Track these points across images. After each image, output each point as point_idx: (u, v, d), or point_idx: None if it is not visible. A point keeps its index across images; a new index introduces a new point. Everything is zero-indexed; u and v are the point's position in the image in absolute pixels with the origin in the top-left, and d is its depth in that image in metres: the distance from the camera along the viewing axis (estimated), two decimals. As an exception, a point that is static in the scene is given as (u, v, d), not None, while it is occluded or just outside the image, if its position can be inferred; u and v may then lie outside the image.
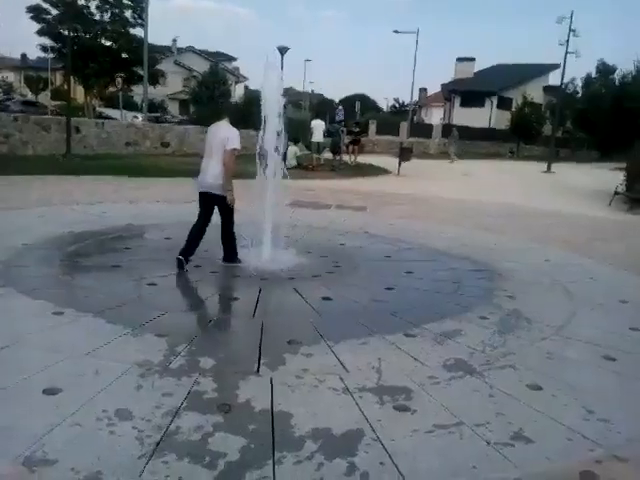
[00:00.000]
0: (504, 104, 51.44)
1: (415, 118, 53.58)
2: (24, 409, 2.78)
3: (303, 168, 18.25)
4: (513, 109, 48.62)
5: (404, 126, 43.10)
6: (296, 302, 4.84)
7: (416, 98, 57.17)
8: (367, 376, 3.39)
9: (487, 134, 47.46)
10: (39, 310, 4.20)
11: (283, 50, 24.05)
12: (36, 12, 33.18)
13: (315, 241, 7.32)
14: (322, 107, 54.33)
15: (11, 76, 56.17)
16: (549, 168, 27.15)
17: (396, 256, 6.96)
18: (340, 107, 25.73)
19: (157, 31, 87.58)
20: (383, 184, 16.25)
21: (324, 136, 21.03)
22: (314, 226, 8.37)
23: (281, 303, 4.98)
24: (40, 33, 34.10)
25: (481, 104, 52.48)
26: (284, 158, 7.28)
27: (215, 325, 4.14)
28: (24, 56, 58.74)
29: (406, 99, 52.75)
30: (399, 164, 19.97)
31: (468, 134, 44.43)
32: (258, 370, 3.40)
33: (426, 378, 3.39)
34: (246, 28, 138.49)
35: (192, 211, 8.35)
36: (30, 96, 48.98)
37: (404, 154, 20.78)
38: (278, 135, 6.23)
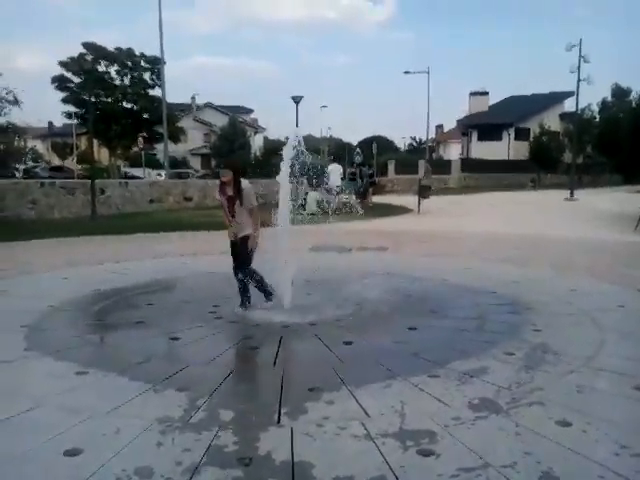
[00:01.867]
0: (521, 135, 51.52)
1: (433, 155, 53.86)
2: (45, 472, 2.79)
3: (324, 213, 18.38)
4: (531, 139, 48.59)
5: (422, 164, 43.33)
6: (317, 348, 4.81)
7: (432, 135, 57.64)
8: (389, 421, 3.32)
9: (507, 166, 47.43)
10: (63, 371, 4.24)
11: (297, 99, 24.59)
12: (60, 82, 34.69)
13: (337, 284, 7.30)
14: (340, 151, 55.03)
15: (39, 144, 58.31)
16: (572, 195, 26.92)
17: (418, 295, 6.90)
18: (358, 150, 26.06)
19: (176, 90, 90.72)
20: (404, 223, 16.27)
21: (346, 179, 21.32)
22: (336, 269, 8.36)
23: (302, 350, 4.95)
24: (64, 101, 35.54)
25: (498, 137, 52.64)
26: (304, 204, 7.39)
27: (235, 376, 4.12)
28: (50, 124, 61.12)
29: (423, 137, 53.15)
30: (419, 202, 20.00)
31: (487, 167, 44.43)
32: (279, 420, 3.37)
33: (450, 419, 3.31)
34: (262, 80, 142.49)
35: (214, 263, 8.45)
36: (57, 162, 50.71)
37: (423, 192, 20.84)
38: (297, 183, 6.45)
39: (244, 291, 6.08)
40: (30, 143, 49.03)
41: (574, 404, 3.54)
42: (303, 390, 3.83)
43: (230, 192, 5.84)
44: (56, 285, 7.39)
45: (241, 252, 5.94)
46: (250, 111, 63.75)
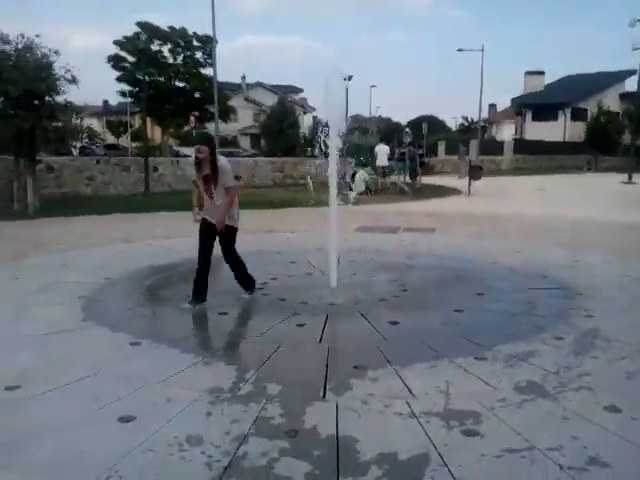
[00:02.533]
0: (578, 115, 49.69)
1: (485, 135, 52.65)
2: (100, 437, 2.93)
3: (371, 193, 18.31)
4: (588, 120, 46.85)
5: (474, 144, 42.44)
6: (363, 327, 4.85)
7: (485, 115, 56.26)
8: (434, 400, 3.33)
9: (562, 147, 45.92)
10: (117, 342, 4.42)
11: (347, 78, 24.40)
12: (115, 61, 35.39)
13: (382, 265, 7.31)
14: (389, 131, 54.47)
15: (94, 122, 59.92)
16: (630, 179, 25.89)
17: (466, 277, 6.82)
18: (407, 130, 25.71)
19: (227, 69, 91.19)
20: (453, 204, 16.04)
21: (395, 159, 21.15)
22: (382, 250, 8.36)
23: (347, 328, 5.00)
24: (119, 80, 36.29)
25: (554, 117, 50.90)
26: (352, 183, 7.38)
27: (282, 351, 4.20)
28: (106, 102, 62.58)
29: (475, 116, 52.00)
30: (469, 183, 19.65)
31: (542, 148, 43.15)
32: (324, 395, 3.43)
33: (496, 402, 3.30)
34: (312, 59, 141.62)
35: (259, 240, 8.57)
36: (112, 140, 52.09)
37: (474, 173, 20.45)
38: (342, 159, 6.37)
39: (243, 274, 5.74)
40: (86, 121, 50.50)
41: (624, 390, 3.47)
42: (348, 367, 3.88)
43: (207, 170, 5.23)
44: (112, 259, 7.65)
45: (227, 242, 5.50)
46: (300, 90, 63.62)
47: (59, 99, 12.88)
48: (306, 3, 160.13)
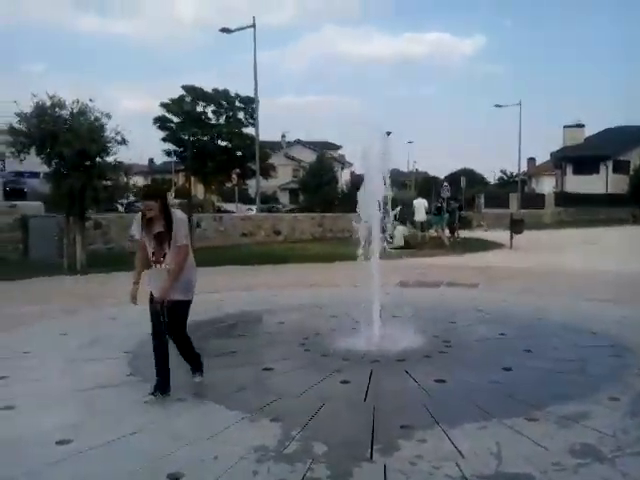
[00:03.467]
0: (621, 168, 48.98)
1: (525, 188, 52.28)
2: (150, 493, 2.93)
3: (411, 247, 18.27)
4: (631, 172, 46.13)
5: (514, 197, 42.19)
6: (408, 385, 4.77)
7: (524, 169, 56.05)
8: (485, 462, 3.24)
9: (604, 200, 45.17)
10: (163, 397, 4.45)
11: (385, 134, 24.78)
12: (161, 122, 36.97)
13: (425, 320, 7.22)
14: (427, 185, 54.66)
15: (140, 180, 61.99)
16: (680, 231, 25.15)
17: (512, 334, 6.67)
18: (445, 184, 25.79)
19: (267, 128, 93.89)
20: (495, 259, 15.83)
21: (432, 214, 21.20)
22: (424, 305, 8.27)
23: (392, 386, 4.92)
24: (164, 140, 37.79)
25: (595, 170, 50.32)
26: (391, 238, 7.40)
27: (327, 409, 4.16)
28: (151, 161, 64.90)
29: (514, 170, 51.86)
30: (511, 237, 19.43)
31: (584, 201, 42.53)
32: (371, 456, 3.37)
33: (550, 465, 3.18)
34: (350, 115, 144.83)
35: (302, 295, 8.62)
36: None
37: (516, 226, 20.24)
38: (383, 215, 6.42)
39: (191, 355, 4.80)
40: (133, 179, 52.41)
41: (689, 456, 3.30)
42: (395, 427, 3.82)
43: (159, 228, 4.32)
44: (156, 314, 7.77)
45: (175, 319, 4.45)
46: (338, 147, 64.86)
47: (109, 159, 13.46)
48: (343, 63, 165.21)
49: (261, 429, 3.79)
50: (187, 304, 4.53)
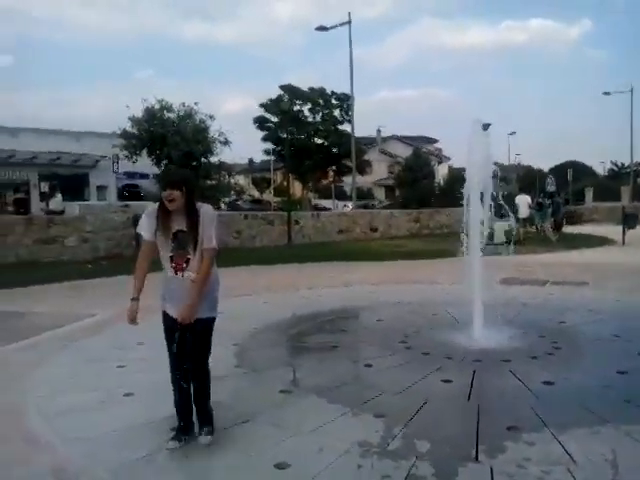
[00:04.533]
0: None
1: (639, 180, 48.81)
2: (259, 481, 3.05)
3: (513, 243, 17.61)
4: None
5: (625, 190, 39.52)
6: (513, 385, 4.62)
7: (638, 159, 52.31)
8: (600, 470, 3.08)
9: None
10: (268, 389, 4.60)
11: (485, 126, 24.06)
12: (260, 122, 38.02)
13: (531, 319, 6.96)
14: (529, 179, 52.36)
15: (241, 179, 64.25)
16: None
17: (627, 335, 6.27)
18: (550, 177, 24.59)
19: (363, 123, 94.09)
20: (605, 255, 14.92)
21: (534, 209, 20.34)
22: (529, 303, 7.97)
23: (497, 386, 4.78)
24: (264, 139, 38.84)
25: None
26: (492, 234, 7.21)
27: (430, 407, 4.13)
28: (251, 160, 66.95)
29: (625, 161, 48.47)
30: (623, 232, 18.22)
31: None
32: (477, 457, 3.31)
33: (674, 476, 2.98)
34: (447, 109, 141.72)
35: (401, 292, 8.56)
36: (256, 195, 55.41)
37: (629, 220, 18.96)
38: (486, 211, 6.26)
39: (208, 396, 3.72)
40: (234, 178, 54.35)
41: None
42: (500, 428, 3.72)
43: (181, 225, 3.43)
44: (259, 308, 8.05)
45: (199, 344, 3.56)
46: (435, 141, 63.70)
47: (213, 159, 14.07)
48: (440, 55, 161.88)
49: (364, 424, 3.83)
50: (213, 322, 3.62)
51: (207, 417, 3.66)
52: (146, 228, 3.49)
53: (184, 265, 3.46)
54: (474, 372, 4.94)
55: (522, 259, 13.65)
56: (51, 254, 14.33)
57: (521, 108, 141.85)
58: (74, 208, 15.91)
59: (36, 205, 31.30)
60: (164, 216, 3.44)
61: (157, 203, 3.53)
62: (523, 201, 20.12)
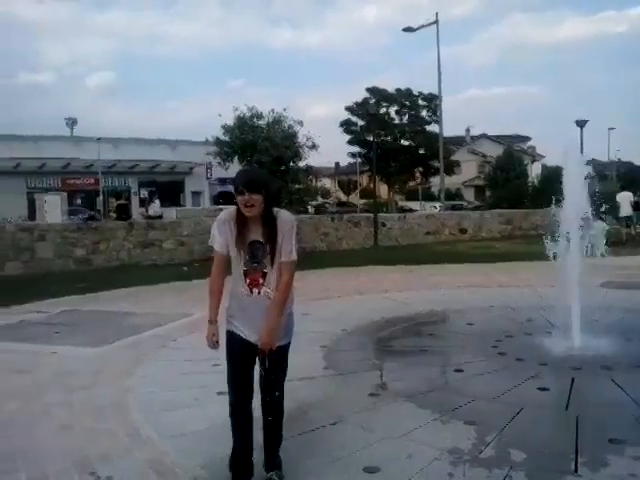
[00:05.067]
0: None
1: None
2: (349, 483, 3.07)
3: (613, 245, 16.63)
4: None
5: None
6: (615, 395, 4.37)
7: None
8: None
9: None
10: (357, 391, 4.61)
11: (581, 123, 22.95)
12: (346, 125, 38.24)
13: (635, 326, 6.55)
14: (632, 175, 49.29)
15: (328, 182, 64.92)
16: None
17: None
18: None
19: (451, 123, 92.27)
20: None
21: (633, 209, 19.14)
22: (632, 309, 7.50)
23: (598, 395, 4.54)
24: (350, 142, 39.02)
25: None
26: (591, 235, 6.86)
27: (524, 415, 3.98)
28: (337, 164, 67.46)
29: None
30: None
31: None
32: (576, 469, 3.15)
33: None
34: (539, 106, 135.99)
35: (491, 296, 8.31)
36: (343, 198, 55.74)
37: None
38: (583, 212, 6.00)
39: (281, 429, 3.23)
40: (321, 182, 55.05)
41: None
42: (602, 440, 3.53)
43: (256, 235, 2.98)
44: (347, 310, 8.08)
45: (283, 369, 3.20)
46: (527, 139, 61.37)
47: (301, 164, 14.33)
48: (531, 51, 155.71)
49: (454, 431, 3.75)
50: (289, 347, 3.24)
51: (277, 462, 3.15)
52: (218, 239, 3.04)
53: (260, 281, 3.01)
54: (572, 380, 4.71)
55: (624, 261, 12.85)
56: (150, 257, 15.14)
57: (620, 102, 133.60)
58: (171, 213, 16.72)
59: (136, 211, 33.15)
60: (240, 224, 2.96)
61: (225, 208, 3.28)
62: (625, 199, 18.97)
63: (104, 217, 30.67)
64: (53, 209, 27.42)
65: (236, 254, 3.01)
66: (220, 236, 3.03)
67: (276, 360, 3.06)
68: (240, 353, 3.07)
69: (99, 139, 36.32)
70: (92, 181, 38.53)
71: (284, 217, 3.02)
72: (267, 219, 2.96)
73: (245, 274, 3.02)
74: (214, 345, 3.12)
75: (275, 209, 2.99)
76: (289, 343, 3.20)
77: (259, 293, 3.02)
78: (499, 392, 4.49)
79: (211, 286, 3.11)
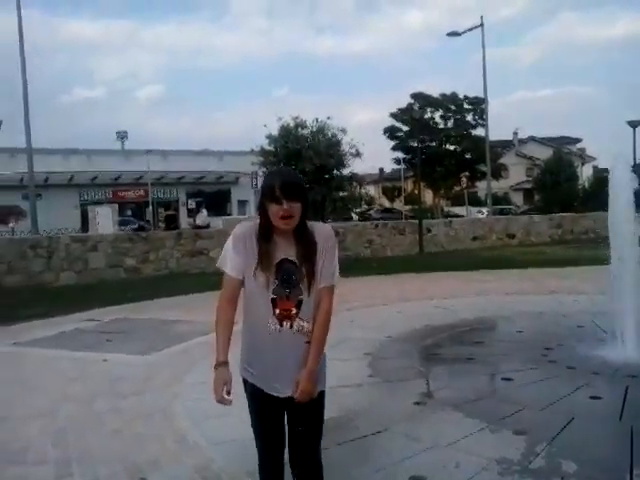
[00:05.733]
0: None
1: None
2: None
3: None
4: None
5: None
6: (675, 406, 4.19)
7: None
8: None
9: None
10: (402, 400, 4.57)
11: (634, 123, 22.20)
12: (390, 132, 38.13)
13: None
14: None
15: (372, 189, 64.76)
16: None
17: None
18: None
19: (498, 126, 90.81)
20: None
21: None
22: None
23: (654, 405, 4.37)
24: (394, 148, 38.87)
25: None
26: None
27: (576, 425, 3.86)
28: (381, 170, 67.22)
29: None
30: None
31: None
32: (631, 481, 3.04)
33: None
34: (590, 107, 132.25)
35: (539, 303, 8.11)
36: (387, 204, 55.48)
37: None
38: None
39: None
40: (365, 189, 54.97)
41: None
42: (659, 452, 3.39)
43: (286, 253, 2.37)
44: (392, 318, 8.03)
45: (320, 422, 2.52)
46: (578, 140, 59.76)
47: (345, 171, 14.37)
48: (581, 51, 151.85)
49: (503, 440, 3.67)
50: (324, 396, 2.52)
51: None
52: (233, 259, 2.36)
53: (294, 311, 2.34)
54: (627, 389, 4.54)
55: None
56: (198, 265, 15.43)
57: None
58: (218, 222, 16.98)
59: (184, 221, 33.88)
60: (265, 240, 2.32)
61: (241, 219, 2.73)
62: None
63: (153, 227, 31.46)
64: (105, 220, 28.34)
65: (261, 279, 2.31)
66: (237, 256, 2.34)
67: (312, 412, 2.43)
68: (267, 411, 2.45)
69: (148, 151, 37.36)
70: (142, 192, 39.64)
71: (323, 231, 2.41)
72: (302, 234, 2.34)
73: (274, 303, 2.33)
74: (224, 401, 2.38)
75: (308, 222, 2.37)
76: (324, 391, 2.47)
77: (291, 327, 2.34)
78: (549, 401, 4.37)
79: (219, 315, 2.41)
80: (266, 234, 2.32)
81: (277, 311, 2.34)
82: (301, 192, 2.30)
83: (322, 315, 2.39)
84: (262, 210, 2.30)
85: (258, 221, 2.34)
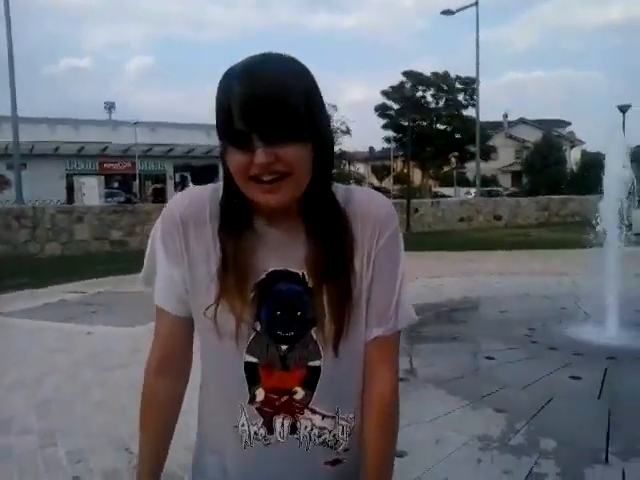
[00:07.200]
0: None
1: None
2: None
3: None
4: None
5: None
6: (652, 387, 4.29)
7: None
8: None
9: None
10: (387, 376, 4.63)
11: (624, 108, 22.28)
12: (381, 110, 37.95)
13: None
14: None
15: (361, 167, 64.58)
16: None
17: None
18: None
19: (488, 108, 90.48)
20: None
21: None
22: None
23: (631, 386, 4.45)
24: (385, 127, 38.73)
25: None
26: (630, 224, 6.70)
27: (555, 405, 3.93)
28: (371, 149, 67.03)
29: None
30: None
31: None
32: (607, 459, 3.11)
33: None
34: (581, 90, 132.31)
35: (524, 283, 8.21)
36: (376, 183, 55.48)
37: None
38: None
39: None
40: (355, 167, 54.83)
41: None
42: (635, 430, 3.49)
43: (286, 254, 1.00)
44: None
45: None
46: (567, 124, 59.94)
47: (335, 149, 14.30)
48: (576, 33, 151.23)
49: (484, 418, 3.74)
50: None
51: None
52: (166, 275, 1.08)
53: (300, 393, 1.03)
54: (606, 370, 4.63)
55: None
56: (184, 240, 15.36)
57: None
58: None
59: (172, 194, 33.65)
60: (235, 231, 1.01)
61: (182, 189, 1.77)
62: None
63: (140, 200, 31.24)
64: (91, 192, 28.06)
65: (224, 318, 1.01)
66: (173, 267, 1.06)
67: None
68: None
69: (136, 123, 36.90)
70: (129, 165, 39.26)
71: (372, 206, 1.10)
72: (320, 213, 1.01)
73: (252, 373, 1.04)
74: None
75: (340, 186, 1.08)
76: None
77: (294, 431, 1.04)
78: (530, 380, 4.45)
79: (143, 409, 1.22)
80: (236, 217, 1.01)
81: (261, 394, 1.04)
82: (298, 115, 0.92)
83: (378, 406, 1.07)
84: (226, 167, 0.99)
85: (221, 189, 1.04)
